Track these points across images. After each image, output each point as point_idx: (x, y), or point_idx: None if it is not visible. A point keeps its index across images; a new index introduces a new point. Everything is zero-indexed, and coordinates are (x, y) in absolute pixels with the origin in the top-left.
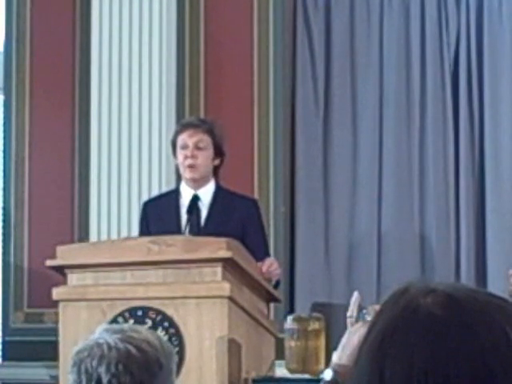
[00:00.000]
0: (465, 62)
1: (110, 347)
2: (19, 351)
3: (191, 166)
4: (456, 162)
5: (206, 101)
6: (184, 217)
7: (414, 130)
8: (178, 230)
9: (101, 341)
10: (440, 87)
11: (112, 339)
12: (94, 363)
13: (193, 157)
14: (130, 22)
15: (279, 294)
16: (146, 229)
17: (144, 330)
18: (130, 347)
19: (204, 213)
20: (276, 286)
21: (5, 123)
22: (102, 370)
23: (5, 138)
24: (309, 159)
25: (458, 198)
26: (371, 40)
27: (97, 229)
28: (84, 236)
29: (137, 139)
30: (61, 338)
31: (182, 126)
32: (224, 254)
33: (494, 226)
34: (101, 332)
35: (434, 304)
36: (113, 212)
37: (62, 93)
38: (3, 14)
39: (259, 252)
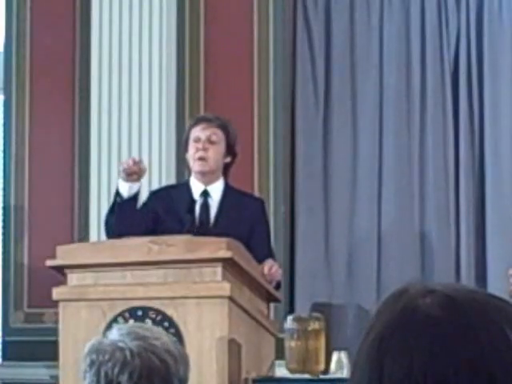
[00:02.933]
0: (465, 62)
1: (132, 355)
2: (19, 351)
3: (201, 159)
4: (456, 162)
5: (206, 100)
6: (197, 212)
7: (414, 130)
8: (191, 225)
9: (122, 345)
10: (440, 87)
11: (134, 345)
12: (116, 370)
13: (204, 149)
14: (130, 21)
15: (279, 294)
16: (149, 214)
17: (163, 336)
18: (153, 357)
19: (214, 209)
20: (277, 287)
21: (5, 123)
22: (124, 378)
23: (5, 137)
24: (309, 159)
25: (458, 197)
26: (371, 40)
27: (97, 229)
28: (84, 236)
29: (137, 139)
30: (61, 338)
31: (196, 120)
32: (224, 254)
33: (494, 225)
34: (122, 334)
35: (433, 305)
36: None
37: (62, 93)
38: (3, 14)
39: (263, 253)
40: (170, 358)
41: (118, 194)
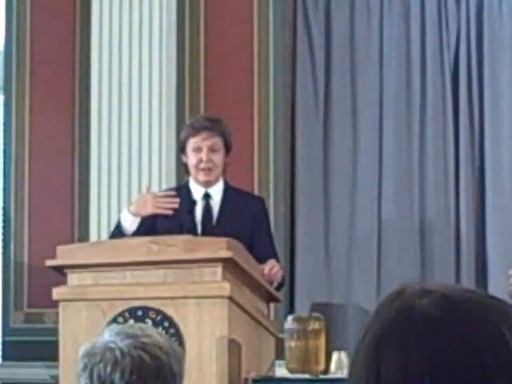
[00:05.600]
0: (465, 62)
1: (123, 353)
2: (19, 351)
3: (207, 169)
4: (456, 162)
5: (206, 101)
6: (198, 213)
7: (414, 130)
8: (192, 227)
9: (112, 345)
10: (440, 87)
11: (124, 345)
12: (108, 369)
13: (209, 161)
14: (130, 21)
15: (279, 294)
16: (149, 220)
17: (155, 333)
18: (144, 354)
19: (215, 211)
20: (279, 288)
21: (5, 123)
22: (116, 377)
23: (5, 138)
24: (309, 159)
25: (458, 197)
26: (371, 40)
27: (97, 229)
28: (84, 236)
29: (137, 139)
30: (61, 338)
31: (195, 129)
32: (224, 254)
33: (494, 225)
34: (112, 335)
35: (430, 305)
36: (113, 212)
37: (62, 93)
38: (3, 14)
39: (266, 252)
40: (161, 353)
41: (118, 226)
